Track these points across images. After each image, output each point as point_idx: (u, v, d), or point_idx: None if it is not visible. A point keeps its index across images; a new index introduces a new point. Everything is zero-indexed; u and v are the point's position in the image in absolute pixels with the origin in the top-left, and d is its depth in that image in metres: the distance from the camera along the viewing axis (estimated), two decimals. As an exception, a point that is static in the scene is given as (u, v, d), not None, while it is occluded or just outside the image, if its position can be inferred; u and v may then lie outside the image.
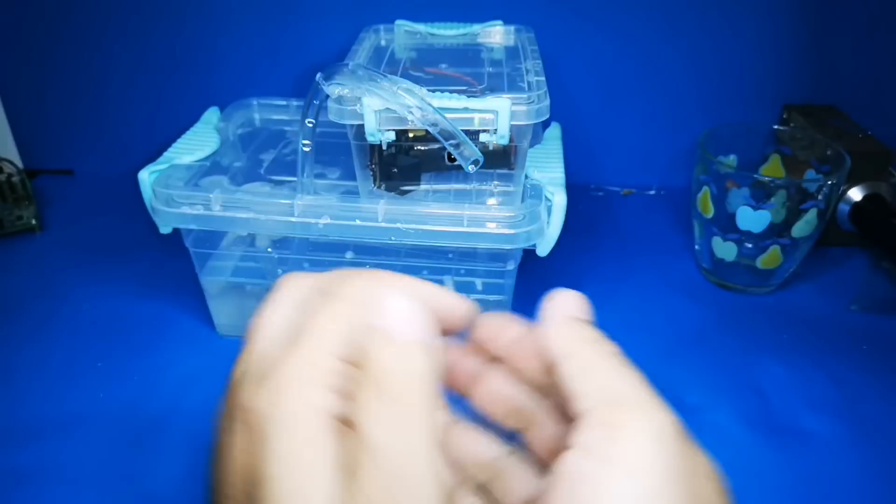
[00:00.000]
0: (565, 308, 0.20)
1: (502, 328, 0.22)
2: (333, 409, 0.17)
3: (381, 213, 0.36)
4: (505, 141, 0.36)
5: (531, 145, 0.42)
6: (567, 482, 0.16)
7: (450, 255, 0.43)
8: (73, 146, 0.66)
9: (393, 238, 0.37)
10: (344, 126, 0.36)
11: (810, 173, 0.50)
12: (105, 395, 0.41)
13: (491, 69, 0.42)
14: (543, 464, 0.22)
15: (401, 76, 0.35)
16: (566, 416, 0.20)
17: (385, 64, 0.43)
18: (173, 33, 0.59)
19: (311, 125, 0.37)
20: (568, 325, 0.20)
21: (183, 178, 0.41)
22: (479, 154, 0.31)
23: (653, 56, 0.59)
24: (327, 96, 0.35)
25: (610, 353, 0.19)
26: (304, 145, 0.37)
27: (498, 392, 0.22)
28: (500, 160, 0.37)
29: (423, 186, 0.40)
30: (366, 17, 0.52)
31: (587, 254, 0.54)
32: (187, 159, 0.42)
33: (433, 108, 0.32)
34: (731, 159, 0.52)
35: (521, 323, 0.22)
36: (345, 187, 0.45)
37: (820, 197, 0.45)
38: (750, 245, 0.47)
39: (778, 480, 0.36)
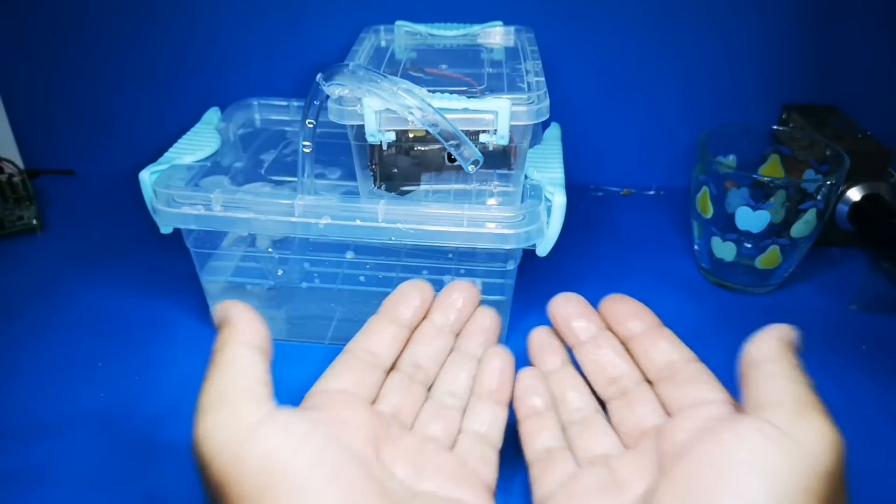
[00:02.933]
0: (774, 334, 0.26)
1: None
2: None
3: (381, 213, 0.36)
4: (505, 141, 0.36)
5: (531, 145, 0.42)
6: (745, 438, 0.22)
7: (450, 255, 0.43)
8: (74, 146, 0.66)
9: (393, 238, 0.37)
10: (344, 126, 0.36)
11: (809, 173, 0.50)
12: (105, 395, 0.41)
13: (491, 70, 0.42)
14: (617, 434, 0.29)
15: (401, 77, 0.35)
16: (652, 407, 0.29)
17: (385, 64, 0.43)
18: (174, 33, 0.60)
19: (311, 126, 0.37)
20: (771, 339, 0.26)
21: (184, 179, 0.41)
22: (479, 154, 0.31)
23: (653, 56, 0.59)
24: (327, 97, 0.35)
25: (797, 366, 0.25)
26: (305, 147, 0.37)
27: (604, 358, 0.30)
28: (500, 160, 0.37)
29: (423, 186, 0.40)
30: (366, 17, 0.53)
31: (587, 254, 0.54)
32: (188, 159, 0.42)
33: (433, 108, 0.32)
34: (731, 159, 0.52)
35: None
36: (345, 187, 0.45)
37: (819, 197, 0.45)
38: (749, 245, 0.47)
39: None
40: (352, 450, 0.25)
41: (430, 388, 0.31)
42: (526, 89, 0.38)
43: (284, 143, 0.50)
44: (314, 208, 0.37)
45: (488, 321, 0.32)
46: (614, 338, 0.31)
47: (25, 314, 0.47)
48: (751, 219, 0.46)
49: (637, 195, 0.64)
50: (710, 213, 0.48)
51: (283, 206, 0.38)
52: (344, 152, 0.43)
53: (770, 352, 0.25)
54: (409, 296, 0.32)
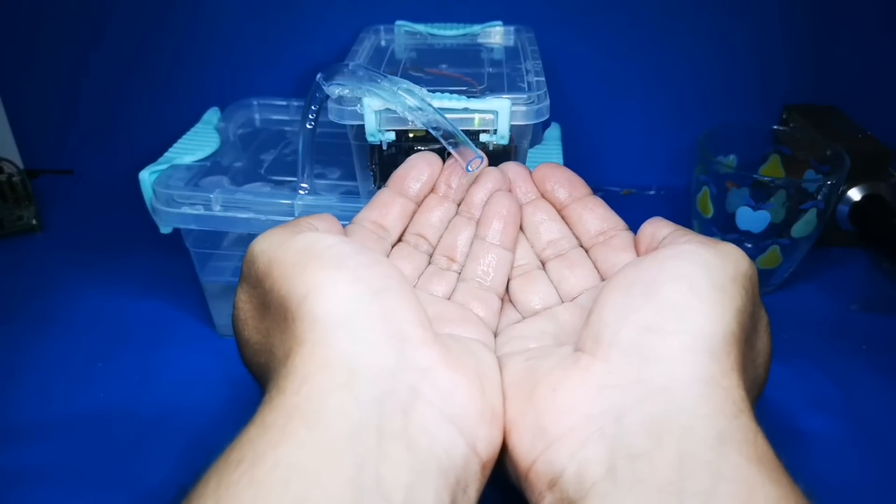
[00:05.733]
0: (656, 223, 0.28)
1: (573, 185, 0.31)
2: None
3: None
4: (505, 141, 0.36)
5: (531, 145, 0.42)
6: (680, 245, 0.24)
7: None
8: (73, 146, 0.66)
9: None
10: (344, 126, 0.36)
11: (810, 173, 0.50)
12: (105, 395, 0.41)
13: (491, 69, 0.42)
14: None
15: (401, 76, 0.35)
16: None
17: (385, 64, 0.43)
18: (173, 33, 0.59)
19: (310, 127, 0.37)
20: (661, 222, 0.28)
21: (183, 179, 0.41)
22: (480, 154, 0.31)
23: (653, 56, 0.59)
24: (327, 96, 0.35)
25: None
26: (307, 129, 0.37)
27: (543, 222, 0.31)
28: (501, 160, 0.37)
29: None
30: (366, 17, 0.53)
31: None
32: (188, 159, 0.42)
33: (433, 108, 0.32)
34: (731, 159, 0.52)
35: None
36: (345, 187, 0.45)
37: (819, 197, 0.45)
38: (749, 245, 0.47)
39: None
40: (388, 261, 0.25)
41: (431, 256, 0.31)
42: (526, 89, 0.38)
43: (284, 143, 0.50)
44: (314, 208, 0.37)
45: (491, 183, 0.32)
46: (549, 204, 0.32)
47: (25, 314, 0.47)
48: (751, 219, 0.46)
49: (637, 195, 0.64)
50: (710, 213, 0.48)
51: (282, 206, 0.38)
52: (344, 152, 0.43)
53: (667, 226, 0.28)
54: (418, 168, 0.32)
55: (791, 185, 0.45)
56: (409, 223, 0.31)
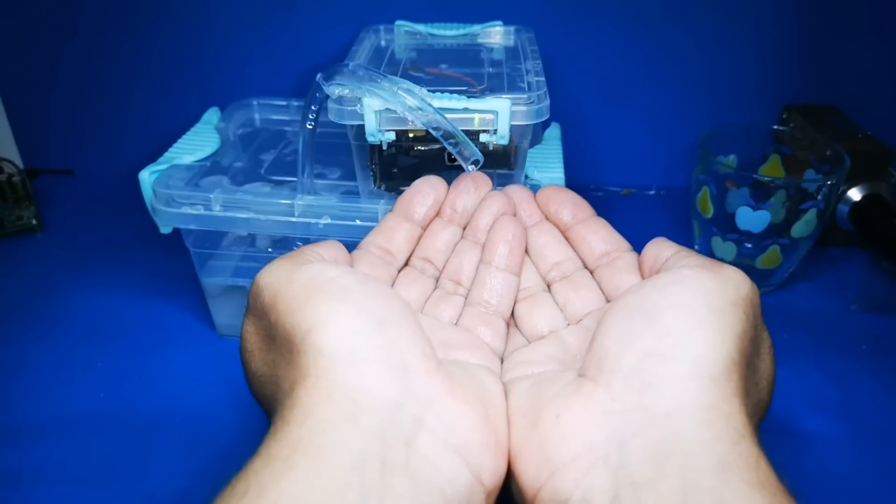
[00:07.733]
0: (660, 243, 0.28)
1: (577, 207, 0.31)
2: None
3: (381, 213, 0.36)
4: (505, 141, 0.36)
5: (531, 145, 0.42)
6: (680, 271, 0.24)
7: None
8: (73, 146, 0.66)
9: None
10: (344, 126, 0.36)
11: (810, 173, 0.50)
12: (105, 395, 0.41)
13: (491, 69, 0.42)
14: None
15: (401, 76, 0.35)
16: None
17: (385, 64, 0.43)
18: (173, 33, 0.59)
19: (310, 127, 0.37)
20: (665, 242, 0.28)
21: (183, 179, 0.41)
22: (480, 154, 0.31)
23: (653, 56, 0.59)
24: (327, 96, 0.35)
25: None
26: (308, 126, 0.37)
27: (548, 245, 0.31)
28: (501, 160, 0.37)
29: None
30: (366, 17, 0.53)
31: (587, 254, 0.54)
32: (188, 159, 0.42)
33: (433, 108, 0.32)
34: (731, 159, 0.52)
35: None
36: (345, 187, 0.45)
37: (819, 197, 0.45)
38: (749, 245, 0.47)
39: (778, 480, 0.36)
40: (391, 291, 0.25)
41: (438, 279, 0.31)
42: (526, 89, 0.38)
43: (284, 143, 0.50)
44: (314, 208, 0.37)
45: (496, 206, 0.31)
46: (554, 227, 0.32)
47: (25, 314, 0.47)
48: (751, 219, 0.46)
49: (637, 195, 0.64)
50: (710, 213, 0.48)
51: (282, 206, 0.38)
52: (344, 152, 0.43)
53: (670, 248, 0.28)
54: (423, 192, 0.32)
55: (791, 185, 0.45)
56: (415, 247, 0.31)
